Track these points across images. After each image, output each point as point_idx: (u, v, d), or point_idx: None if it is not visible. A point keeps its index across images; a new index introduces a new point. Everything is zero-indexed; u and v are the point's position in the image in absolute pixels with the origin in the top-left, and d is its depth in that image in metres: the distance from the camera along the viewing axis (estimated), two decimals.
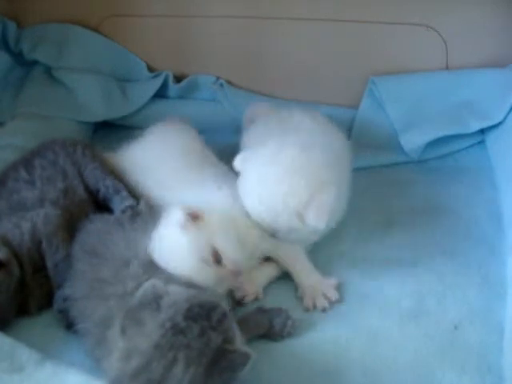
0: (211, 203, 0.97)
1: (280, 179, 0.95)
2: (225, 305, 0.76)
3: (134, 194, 1.11)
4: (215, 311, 0.74)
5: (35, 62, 1.53)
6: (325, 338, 0.93)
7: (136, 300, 0.76)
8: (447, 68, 1.41)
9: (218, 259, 0.89)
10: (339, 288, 1.01)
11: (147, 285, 0.77)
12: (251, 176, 0.99)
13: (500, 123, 1.29)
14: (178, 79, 1.53)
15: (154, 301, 0.75)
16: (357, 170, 1.31)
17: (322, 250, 1.08)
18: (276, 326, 0.92)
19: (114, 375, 0.73)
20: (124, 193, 1.10)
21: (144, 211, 1.04)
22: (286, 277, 1.04)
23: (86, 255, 0.94)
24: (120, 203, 1.08)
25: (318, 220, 0.95)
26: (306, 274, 1.01)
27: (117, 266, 0.88)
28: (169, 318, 0.73)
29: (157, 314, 0.73)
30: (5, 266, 0.93)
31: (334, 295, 0.99)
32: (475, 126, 1.31)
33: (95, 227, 1.00)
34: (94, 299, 0.86)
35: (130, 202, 1.08)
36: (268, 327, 0.92)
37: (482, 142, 1.36)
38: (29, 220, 1.00)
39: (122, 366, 0.72)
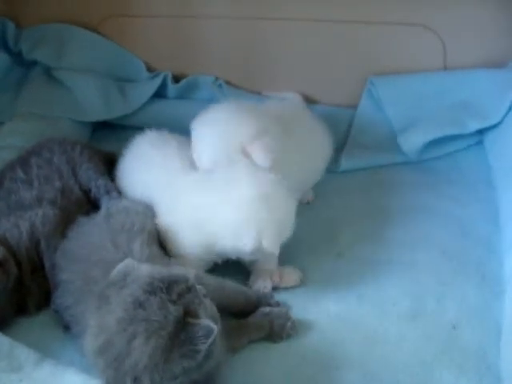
0: None
1: (228, 120, 1.05)
2: (193, 279, 0.76)
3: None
4: (177, 285, 0.74)
5: (34, 63, 1.52)
6: (323, 338, 0.93)
7: (109, 279, 0.77)
8: (445, 68, 1.41)
9: None
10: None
11: (120, 264, 0.78)
12: (205, 127, 1.06)
13: (498, 123, 1.29)
14: (177, 79, 1.53)
15: (123, 279, 0.76)
16: (355, 171, 1.33)
17: (320, 250, 1.08)
18: (276, 328, 0.92)
19: (88, 353, 0.74)
20: (114, 193, 1.11)
21: (117, 211, 1.03)
22: None
23: (69, 263, 0.94)
24: (108, 203, 1.08)
25: (262, 156, 1.00)
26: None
27: (108, 267, 0.86)
28: (130, 292, 0.73)
29: (122, 291, 0.74)
30: (2, 265, 0.93)
31: (277, 278, 1.01)
32: (473, 126, 1.31)
33: (74, 234, 0.99)
34: (83, 302, 0.86)
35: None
36: (268, 330, 0.92)
37: (480, 143, 1.36)
38: (27, 220, 1.00)
39: (93, 343, 0.73)
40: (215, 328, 0.71)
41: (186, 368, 0.71)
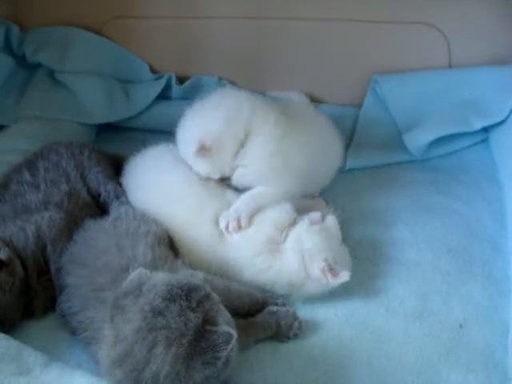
0: None
1: (192, 120, 1.08)
2: (208, 288, 0.76)
3: None
4: (196, 292, 0.74)
5: (38, 65, 1.53)
6: (330, 337, 0.93)
7: (122, 289, 0.76)
8: (450, 66, 1.41)
9: None
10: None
11: (133, 274, 0.77)
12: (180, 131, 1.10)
13: (503, 121, 1.28)
14: (181, 80, 1.53)
15: (138, 288, 0.75)
16: (360, 169, 1.33)
17: None
18: (283, 328, 0.92)
19: (104, 364, 0.74)
20: (123, 198, 1.11)
21: (126, 216, 1.03)
22: None
23: (76, 268, 0.93)
24: (118, 208, 1.08)
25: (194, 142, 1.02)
26: None
27: (113, 273, 0.87)
28: (148, 301, 0.73)
29: (138, 300, 0.74)
30: (7, 266, 0.93)
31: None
32: (478, 124, 1.30)
33: (80, 238, 0.99)
34: (91, 309, 0.86)
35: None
36: (275, 329, 0.92)
37: (485, 141, 1.36)
38: (33, 223, 1.00)
39: (109, 354, 0.73)
40: (234, 334, 0.71)
41: (208, 375, 0.71)
